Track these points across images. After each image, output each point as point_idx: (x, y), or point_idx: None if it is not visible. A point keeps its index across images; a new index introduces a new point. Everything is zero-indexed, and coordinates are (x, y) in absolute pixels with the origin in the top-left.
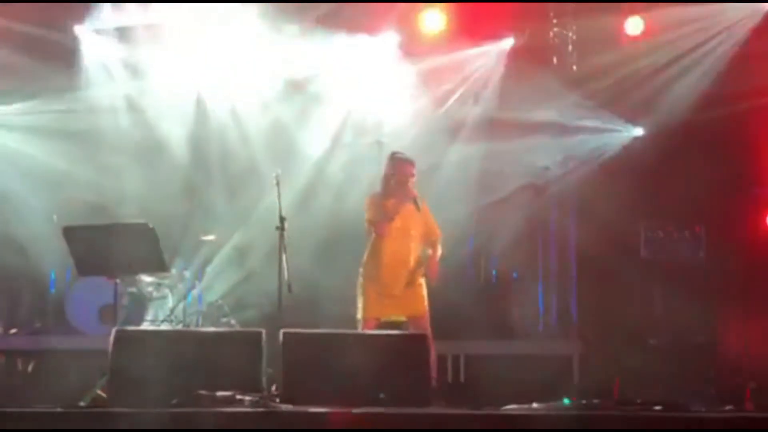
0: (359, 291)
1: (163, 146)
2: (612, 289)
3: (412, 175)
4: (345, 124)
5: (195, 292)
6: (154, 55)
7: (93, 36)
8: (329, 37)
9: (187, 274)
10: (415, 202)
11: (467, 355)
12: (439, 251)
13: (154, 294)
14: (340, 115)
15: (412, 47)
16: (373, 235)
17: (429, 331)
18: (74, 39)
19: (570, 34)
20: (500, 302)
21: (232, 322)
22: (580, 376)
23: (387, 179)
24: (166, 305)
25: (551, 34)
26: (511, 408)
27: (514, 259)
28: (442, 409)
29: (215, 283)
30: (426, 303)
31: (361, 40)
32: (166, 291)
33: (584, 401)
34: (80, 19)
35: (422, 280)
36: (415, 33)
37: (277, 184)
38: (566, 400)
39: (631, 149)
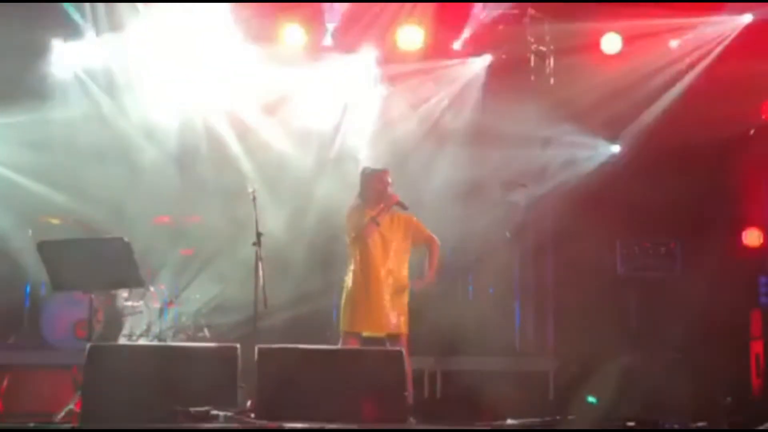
0: (342, 304)
1: (143, 160)
2: (588, 305)
3: (389, 183)
4: (326, 140)
5: (172, 308)
6: (138, 67)
7: (71, 45)
8: (310, 56)
9: (164, 288)
10: (401, 204)
11: (444, 371)
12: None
13: (130, 309)
14: (321, 132)
15: (390, 62)
16: (355, 247)
17: (406, 350)
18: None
19: (548, 51)
20: (477, 318)
21: (207, 333)
22: (556, 393)
23: (365, 193)
24: (142, 320)
25: (529, 54)
26: (487, 424)
27: (491, 274)
28: (419, 425)
29: (192, 298)
30: (406, 324)
31: (341, 57)
32: (142, 306)
33: (559, 417)
34: (56, 27)
35: (406, 300)
36: (394, 49)
37: (253, 199)
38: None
39: (607, 166)
